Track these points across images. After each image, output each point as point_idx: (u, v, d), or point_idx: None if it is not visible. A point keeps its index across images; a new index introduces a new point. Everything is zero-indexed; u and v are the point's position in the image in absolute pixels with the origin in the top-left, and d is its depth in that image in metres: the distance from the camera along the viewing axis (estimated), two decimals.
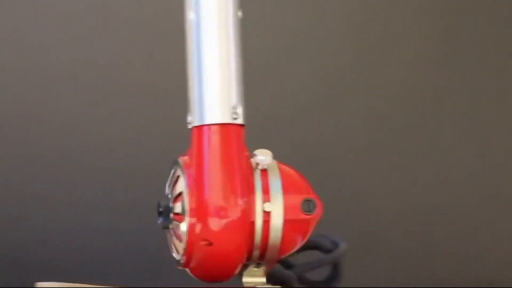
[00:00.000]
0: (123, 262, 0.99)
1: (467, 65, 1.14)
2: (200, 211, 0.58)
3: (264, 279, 0.62)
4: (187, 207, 0.59)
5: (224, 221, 0.58)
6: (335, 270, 0.72)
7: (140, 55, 1.04)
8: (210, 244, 0.58)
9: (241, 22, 0.61)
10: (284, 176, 0.60)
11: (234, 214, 0.58)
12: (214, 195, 0.59)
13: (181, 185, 0.60)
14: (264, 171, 0.60)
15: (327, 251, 0.71)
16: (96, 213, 1.00)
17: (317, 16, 1.10)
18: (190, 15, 0.60)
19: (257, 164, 0.60)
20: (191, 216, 0.59)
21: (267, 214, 0.59)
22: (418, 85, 1.12)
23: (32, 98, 0.99)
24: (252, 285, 0.61)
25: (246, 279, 0.62)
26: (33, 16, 1.01)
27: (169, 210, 0.61)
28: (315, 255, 0.71)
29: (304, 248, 0.65)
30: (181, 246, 0.60)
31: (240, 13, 0.61)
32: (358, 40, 1.11)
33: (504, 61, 1.15)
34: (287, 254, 0.61)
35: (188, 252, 0.59)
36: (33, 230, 0.96)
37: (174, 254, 0.62)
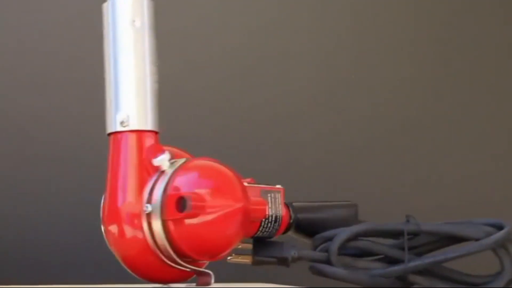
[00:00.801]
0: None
1: (467, 65, 1.14)
2: (103, 219, 0.61)
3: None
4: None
5: (114, 227, 0.59)
6: (501, 264, 0.62)
7: None
8: (115, 249, 0.60)
9: (138, 30, 0.61)
10: (177, 176, 0.59)
11: (120, 219, 0.59)
12: (106, 203, 0.61)
13: None
14: (162, 172, 0.60)
15: (476, 239, 0.62)
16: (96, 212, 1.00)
17: (317, 16, 1.10)
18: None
19: (159, 166, 0.60)
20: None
21: (148, 216, 0.58)
22: (418, 85, 1.12)
23: (32, 98, 0.99)
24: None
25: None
26: (33, 16, 1.01)
27: None
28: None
29: (444, 241, 0.64)
30: None
31: (137, 23, 0.62)
32: (358, 40, 1.11)
33: (504, 61, 1.15)
34: (211, 256, 0.60)
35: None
36: (33, 230, 0.96)
37: None
